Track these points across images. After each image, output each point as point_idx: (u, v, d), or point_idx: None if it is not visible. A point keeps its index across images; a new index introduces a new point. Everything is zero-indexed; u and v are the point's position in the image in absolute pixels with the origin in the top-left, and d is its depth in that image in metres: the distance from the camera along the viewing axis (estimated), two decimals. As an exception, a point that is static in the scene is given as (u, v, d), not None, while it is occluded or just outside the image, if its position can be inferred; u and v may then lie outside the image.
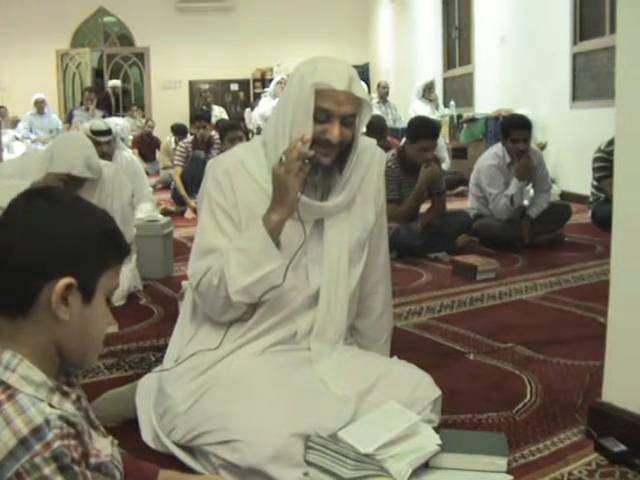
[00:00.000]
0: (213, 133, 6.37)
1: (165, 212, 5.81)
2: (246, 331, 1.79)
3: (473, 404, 2.05)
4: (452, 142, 8.01)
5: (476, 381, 2.25)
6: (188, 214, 5.98)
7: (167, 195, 6.82)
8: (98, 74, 13.58)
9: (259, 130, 8.96)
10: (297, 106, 1.71)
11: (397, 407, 1.69)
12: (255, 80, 13.37)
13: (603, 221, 4.62)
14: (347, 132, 1.74)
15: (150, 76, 13.35)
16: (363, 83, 1.92)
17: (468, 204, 4.88)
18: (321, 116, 1.70)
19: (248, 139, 6.40)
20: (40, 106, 10.33)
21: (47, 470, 0.94)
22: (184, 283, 2.62)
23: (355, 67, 1.82)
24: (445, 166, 6.97)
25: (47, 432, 0.95)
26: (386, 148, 5.03)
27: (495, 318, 2.96)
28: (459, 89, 9.52)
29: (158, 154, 9.48)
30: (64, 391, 1.06)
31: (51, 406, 1.00)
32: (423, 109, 8.51)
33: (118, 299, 3.12)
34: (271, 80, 10.71)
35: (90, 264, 1.06)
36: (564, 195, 6.40)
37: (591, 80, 6.29)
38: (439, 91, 9.46)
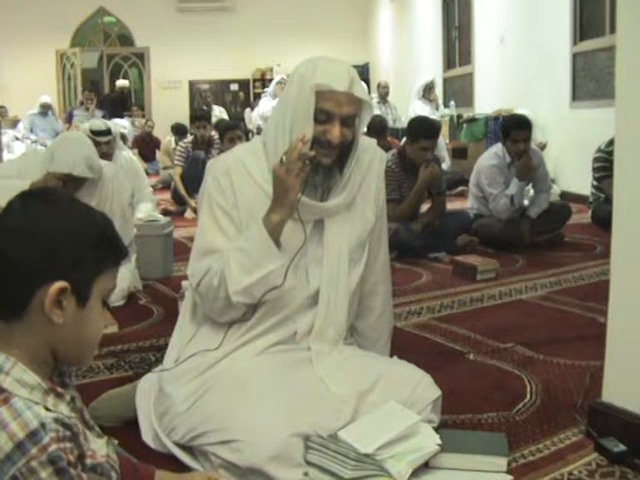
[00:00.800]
0: (213, 133, 6.37)
1: (165, 212, 5.81)
2: (246, 331, 1.79)
3: (473, 404, 2.05)
4: (452, 142, 8.01)
5: (476, 381, 2.25)
6: (188, 214, 5.98)
7: (167, 195, 6.82)
8: (96, 74, 13.54)
9: (259, 130, 8.96)
10: (297, 107, 1.71)
11: (397, 407, 1.70)
12: (255, 80, 13.38)
13: (603, 221, 4.62)
14: (347, 133, 1.74)
15: (150, 76, 13.36)
16: (363, 83, 1.92)
17: (468, 204, 4.89)
18: (321, 117, 1.70)
19: (248, 139, 6.41)
20: (45, 110, 10.23)
21: (43, 474, 0.94)
22: (184, 283, 2.63)
23: (355, 67, 1.82)
24: (445, 166, 6.97)
25: (43, 436, 0.95)
26: (386, 148, 5.03)
27: (495, 318, 2.96)
28: (459, 89, 9.52)
29: (158, 154, 9.48)
30: (58, 393, 1.05)
31: (46, 409, 1.00)
32: (423, 109, 8.50)
33: (118, 299, 3.12)
34: (271, 80, 10.71)
35: (85, 267, 1.04)
36: (564, 195, 6.40)
37: (591, 80, 6.30)
38: (439, 91, 9.45)
